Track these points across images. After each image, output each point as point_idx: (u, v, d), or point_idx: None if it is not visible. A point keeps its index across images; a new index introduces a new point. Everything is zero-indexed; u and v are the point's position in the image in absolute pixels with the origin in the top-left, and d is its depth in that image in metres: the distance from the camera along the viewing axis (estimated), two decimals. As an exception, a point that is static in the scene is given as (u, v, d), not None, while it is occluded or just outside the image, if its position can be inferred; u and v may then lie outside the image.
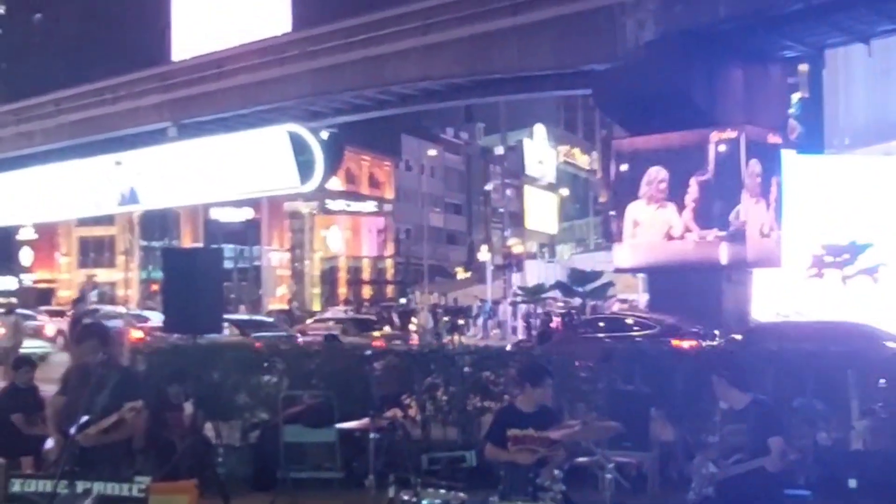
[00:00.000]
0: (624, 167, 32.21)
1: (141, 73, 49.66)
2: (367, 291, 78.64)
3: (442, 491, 7.48)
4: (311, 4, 73.91)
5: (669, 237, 29.98)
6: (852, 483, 8.64)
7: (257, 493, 11.23)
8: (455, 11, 37.13)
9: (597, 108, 50.63)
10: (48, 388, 9.58)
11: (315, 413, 11.54)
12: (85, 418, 7.29)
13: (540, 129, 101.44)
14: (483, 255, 72.93)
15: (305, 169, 42.72)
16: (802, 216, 31.43)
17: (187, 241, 64.79)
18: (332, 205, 75.22)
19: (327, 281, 76.50)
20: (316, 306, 68.18)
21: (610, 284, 40.51)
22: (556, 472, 7.38)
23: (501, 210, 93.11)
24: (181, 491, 8.10)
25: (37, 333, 33.71)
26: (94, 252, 74.37)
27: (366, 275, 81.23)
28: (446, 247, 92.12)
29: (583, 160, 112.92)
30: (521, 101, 60.76)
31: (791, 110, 37.09)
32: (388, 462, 8.83)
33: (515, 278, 61.52)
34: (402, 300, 67.04)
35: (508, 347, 20.35)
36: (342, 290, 76.54)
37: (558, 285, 43.15)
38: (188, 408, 11.33)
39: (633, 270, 36.32)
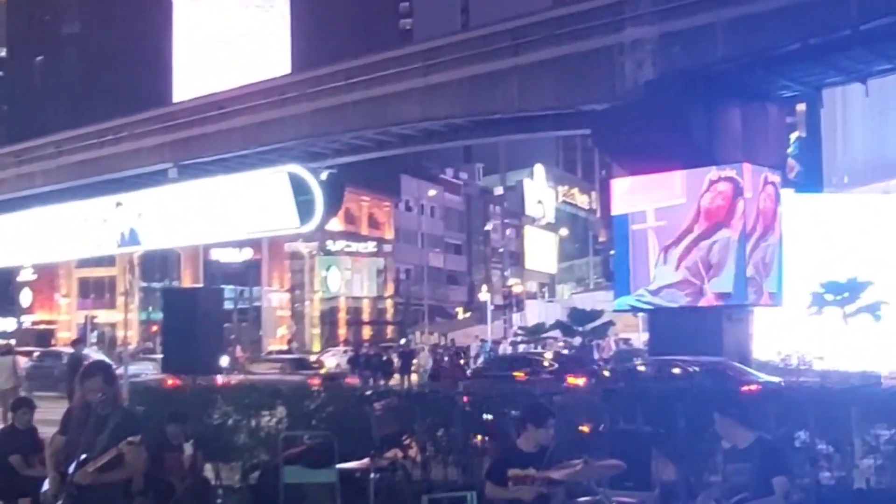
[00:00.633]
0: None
1: (142, 115, 49.86)
2: (367, 332, 78.49)
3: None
4: (312, 46, 74.49)
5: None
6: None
7: (257, 534, 11.14)
8: (456, 52, 37.37)
9: (595, 147, 50.65)
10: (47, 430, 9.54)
11: (315, 454, 11.45)
12: (83, 457, 7.24)
13: (539, 170, 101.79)
14: (483, 295, 72.90)
15: (305, 209, 42.75)
16: (802, 254, 31.47)
17: (188, 282, 64.78)
18: (333, 245, 75.29)
19: (327, 321, 76.42)
20: (316, 347, 68.06)
21: (610, 324, 40.49)
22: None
23: (501, 250, 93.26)
24: (179, 532, 8.06)
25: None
26: (95, 293, 74.36)
27: (366, 315, 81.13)
28: (446, 287, 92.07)
29: (582, 200, 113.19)
30: (521, 141, 61.00)
31: (789, 149, 37.18)
32: (388, 503, 8.78)
33: (516, 318, 61.51)
34: (403, 341, 66.88)
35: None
36: (342, 331, 76.41)
37: (558, 325, 43.11)
38: (188, 449, 11.27)
39: (633, 310, 36.31)
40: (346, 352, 51.69)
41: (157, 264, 68.09)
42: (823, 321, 29.45)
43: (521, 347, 46.08)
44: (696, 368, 21.85)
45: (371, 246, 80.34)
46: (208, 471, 11.91)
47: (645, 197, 30.63)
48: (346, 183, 50.35)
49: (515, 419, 9.47)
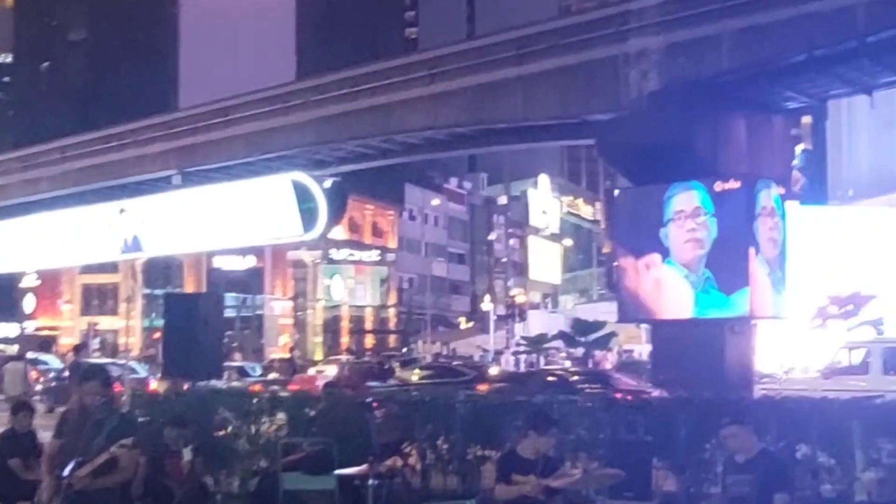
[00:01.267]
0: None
1: (146, 121, 49.88)
2: (369, 341, 78.47)
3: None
4: (317, 54, 74.68)
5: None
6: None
7: (255, 541, 11.10)
8: (460, 61, 37.31)
9: (600, 158, 50.65)
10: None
11: (314, 460, 11.43)
12: (79, 460, 7.21)
13: (544, 180, 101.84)
14: (486, 304, 72.86)
15: (309, 217, 42.74)
16: (806, 267, 31.37)
17: (190, 289, 64.67)
18: (336, 254, 75.31)
19: (330, 330, 76.40)
20: (318, 355, 68.02)
21: (613, 335, 40.47)
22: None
23: (504, 260, 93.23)
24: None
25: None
26: (98, 299, 74.49)
27: (368, 324, 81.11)
28: (449, 296, 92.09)
29: (586, 211, 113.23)
30: (525, 151, 61.09)
31: (794, 161, 37.12)
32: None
33: (518, 328, 61.43)
34: (405, 350, 66.84)
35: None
36: (345, 339, 76.39)
37: (561, 335, 43.11)
38: (187, 454, 11.24)
39: (636, 321, 36.24)
40: (347, 360, 51.65)
41: (161, 271, 68.15)
42: (827, 334, 29.34)
43: (523, 357, 46.14)
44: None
45: (374, 255, 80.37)
46: (207, 477, 11.88)
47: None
48: (350, 191, 50.37)
49: (517, 426, 9.44)
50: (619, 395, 16.59)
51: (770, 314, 30.02)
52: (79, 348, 28.46)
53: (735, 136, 30.54)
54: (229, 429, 12.86)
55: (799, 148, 37.48)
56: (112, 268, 66.65)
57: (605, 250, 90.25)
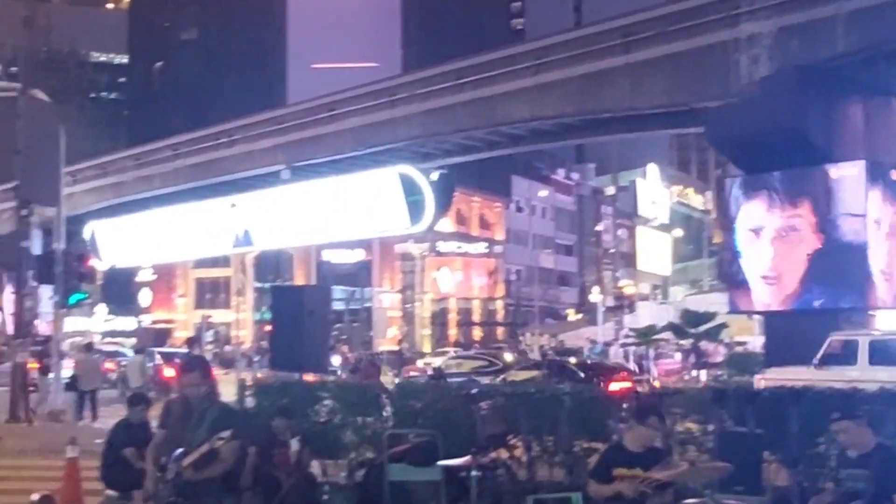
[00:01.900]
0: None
1: (256, 117, 50.71)
2: (477, 333, 78.54)
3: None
4: (422, 47, 74.94)
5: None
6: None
7: (361, 531, 11.15)
8: (566, 50, 37.06)
9: (709, 146, 49.81)
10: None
11: (420, 452, 11.42)
12: (180, 451, 7.29)
13: (653, 169, 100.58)
14: (594, 296, 72.29)
15: (415, 210, 42.95)
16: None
17: (300, 282, 65.63)
18: (443, 246, 75.50)
19: (438, 322, 76.66)
20: (426, 348, 68.33)
21: (723, 326, 39.67)
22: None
23: (613, 251, 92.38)
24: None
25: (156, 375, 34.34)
26: (211, 293, 76.05)
27: (476, 316, 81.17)
28: (557, 288, 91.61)
29: (697, 200, 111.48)
30: (633, 140, 60.37)
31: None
32: (493, 502, 8.67)
33: (627, 320, 60.82)
34: (513, 341, 66.71)
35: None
36: (452, 332, 76.57)
37: (670, 326, 42.41)
38: (294, 445, 11.34)
39: (749, 312, 35.54)
40: (455, 353, 51.77)
41: (271, 265, 69.28)
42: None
43: (632, 349, 45.55)
44: None
45: (482, 247, 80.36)
46: (314, 467, 11.98)
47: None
48: (457, 183, 50.46)
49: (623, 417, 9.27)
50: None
51: (888, 304, 29.19)
52: (191, 341, 29.03)
53: (851, 120, 29.72)
54: (336, 419, 12.93)
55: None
56: (224, 262, 67.99)
57: (716, 240, 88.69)
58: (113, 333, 68.88)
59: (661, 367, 43.51)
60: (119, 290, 71.32)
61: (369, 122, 43.80)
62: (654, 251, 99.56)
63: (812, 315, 28.13)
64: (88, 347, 28.66)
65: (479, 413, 12.06)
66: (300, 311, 12.60)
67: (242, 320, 70.06)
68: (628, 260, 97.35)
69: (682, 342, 43.64)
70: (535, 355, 46.08)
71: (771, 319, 31.46)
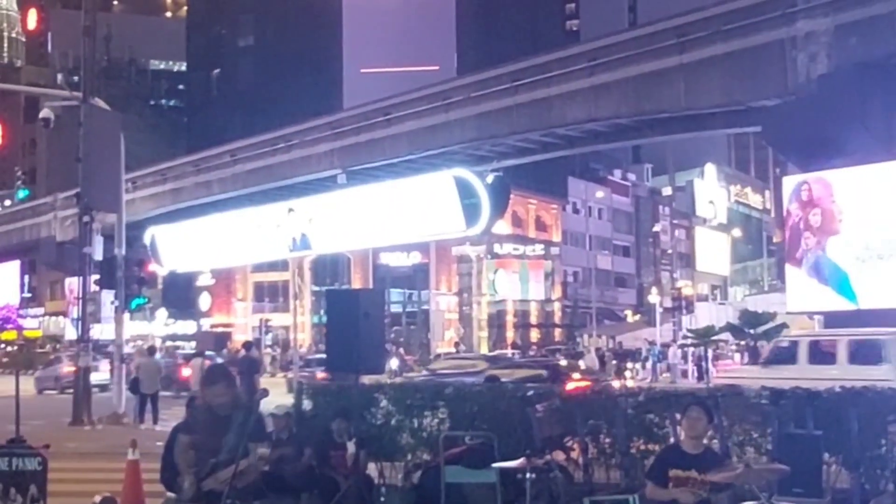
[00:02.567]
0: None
1: (312, 122, 51.11)
2: (534, 335, 78.36)
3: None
4: (477, 50, 74.98)
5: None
6: None
7: (418, 533, 11.19)
8: (621, 51, 36.94)
9: (767, 145, 49.34)
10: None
11: (476, 454, 11.44)
12: (213, 461, 7.31)
13: (710, 169, 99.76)
14: (652, 297, 71.82)
15: (471, 213, 42.85)
16: None
17: (357, 285, 65.97)
18: (500, 248, 75.43)
19: (495, 325, 76.58)
20: (483, 349, 68.32)
21: (783, 326, 39.20)
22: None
23: (671, 251, 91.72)
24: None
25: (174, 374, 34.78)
26: (269, 296, 76.63)
27: (533, 318, 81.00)
28: (615, 289, 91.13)
29: (755, 199, 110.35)
30: (691, 140, 59.96)
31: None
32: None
33: (685, 320, 60.36)
34: (570, 343, 66.53)
35: None
36: (510, 334, 76.47)
37: (729, 327, 42.03)
38: (351, 447, 11.42)
39: (808, 312, 35.14)
40: (513, 355, 51.72)
41: (328, 268, 69.66)
42: None
43: (691, 350, 45.24)
44: None
45: (538, 248, 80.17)
46: (371, 469, 12.05)
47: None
48: (513, 185, 50.36)
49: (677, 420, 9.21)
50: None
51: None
52: (248, 345, 29.26)
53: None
54: (392, 422, 12.99)
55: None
56: (282, 265, 68.41)
57: (776, 240, 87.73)
58: (173, 337, 69.78)
59: (720, 367, 43.16)
60: (179, 295, 72.19)
61: (424, 126, 43.95)
62: (713, 251, 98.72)
63: (871, 314, 27.72)
64: (151, 351, 29.07)
65: (535, 415, 12.06)
66: (355, 314, 12.64)
67: (301, 323, 70.51)
68: (686, 260, 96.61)
69: (741, 343, 43.28)
70: (591, 357, 45.90)
71: (831, 319, 31.07)
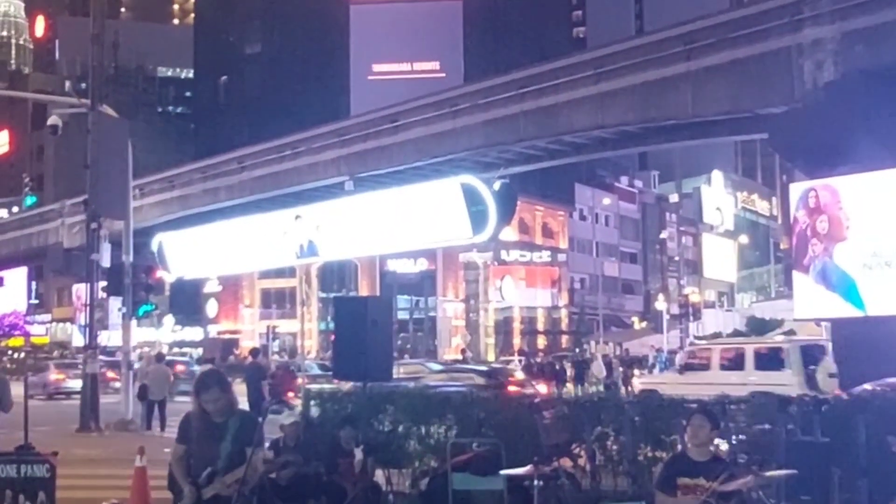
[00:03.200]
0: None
1: (319, 130, 51.17)
2: (541, 341, 78.36)
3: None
4: (484, 57, 75.05)
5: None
6: None
7: (426, 540, 11.21)
8: (628, 59, 36.96)
9: (774, 152, 49.30)
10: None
11: (483, 461, 11.46)
12: (210, 470, 7.28)
13: (717, 176, 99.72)
14: (659, 304, 71.78)
15: (478, 220, 42.84)
16: None
17: (364, 292, 66.09)
18: (507, 255, 75.46)
19: (501, 331, 76.61)
20: (490, 356, 68.32)
21: (791, 333, 39.12)
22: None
23: (678, 258, 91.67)
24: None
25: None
26: (276, 303, 76.70)
27: (540, 325, 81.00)
28: (622, 296, 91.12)
29: (762, 206, 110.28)
30: (698, 147, 59.93)
31: None
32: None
33: (692, 327, 60.29)
34: (577, 350, 66.49)
35: None
36: (517, 341, 76.48)
37: (736, 334, 41.95)
38: (358, 454, 11.44)
39: (816, 319, 35.07)
40: (519, 361, 51.74)
41: (336, 275, 69.73)
42: None
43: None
44: None
45: (545, 255, 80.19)
46: (379, 476, 12.07)
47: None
48: (519, 192, 50.40)
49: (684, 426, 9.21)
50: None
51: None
52: (255, 352, 29.30)
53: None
54: (400, 429, 13.02)
55: None
56: (290, 272, 68.53)
57: (783, 246, 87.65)
58: (181, 344, 69.87)
59: (641, 377, 43.18)
60: (186, 301, 72.29)
61: (431, 133, 43.99)
62: (720, 258, 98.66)
63: (879, 321, 27.68)
64: (159, 358, 29.14)
65: (542, 422, 12.09)
66: (363, 322, 12.67)
67: (308, 330, 70.56)
68: (693, 267, 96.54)
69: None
70: (599, 364, 45.87)
71: (839, 325, 31.00)
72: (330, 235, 49.19)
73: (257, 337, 69.95)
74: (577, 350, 66.39)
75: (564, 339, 79.53)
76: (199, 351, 65.08)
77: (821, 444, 10.00)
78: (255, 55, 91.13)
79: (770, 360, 26.11)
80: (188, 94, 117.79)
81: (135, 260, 28.60)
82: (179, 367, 38.91)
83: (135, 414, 25.87)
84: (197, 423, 7.47)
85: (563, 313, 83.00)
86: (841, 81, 29.27)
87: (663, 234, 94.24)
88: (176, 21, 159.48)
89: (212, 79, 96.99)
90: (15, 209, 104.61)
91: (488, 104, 42.00)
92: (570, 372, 45.23)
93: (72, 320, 70.94)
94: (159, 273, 41.10)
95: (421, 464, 12.78)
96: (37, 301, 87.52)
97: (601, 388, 37.56)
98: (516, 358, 57.10)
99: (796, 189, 31.96)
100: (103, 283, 27.09)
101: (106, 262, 27.00)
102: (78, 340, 56.56)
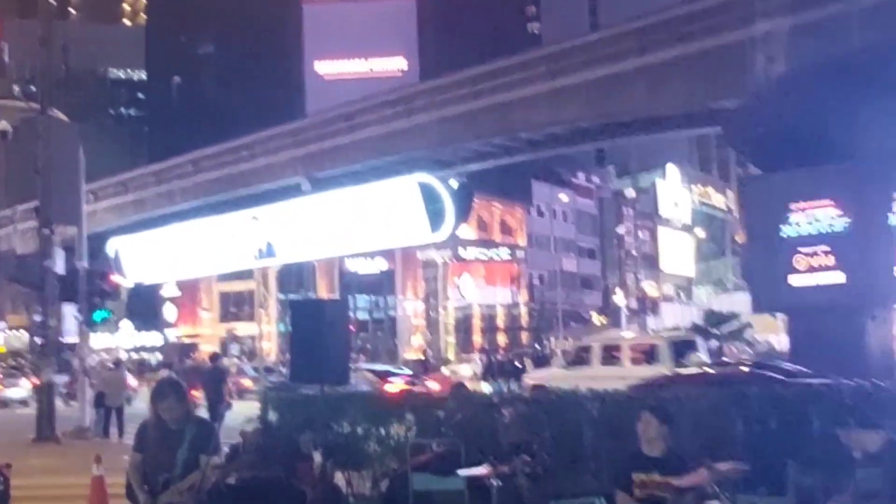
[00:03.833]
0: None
1: (275, 130, 50.94)
2: (501, 338, 78.50)
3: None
4: (438, 55, 75.04)
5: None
6: None
7: (387, 542, 11.18)
8: (582, 55, 37.11)
9: (728, 145, 49.72)
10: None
11: (443, 461, 11.44)
12: (165, 476, 7.26)
13: (673, 170, 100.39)
14: (618, 298, 72.18)
15: (436, 218, 42.89)
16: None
17: (323, 293, 65.88)
18: (465, 253, 75.53)
19: (461, 329, 76.68)
20: (451, 355, 68.38)
21: (748, 325, 39.61)
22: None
23: (635, 253, 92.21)
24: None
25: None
26: (235, 306, 76.25)
27: (500, 322, 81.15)
28: (580, 291, 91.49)
29: (718, 199, 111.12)
30: (653, 141, 60.28)
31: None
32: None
33: (651, 321, 60.73)
34: (537, 346, 66.68)
35: None
36: (477, 338, 76.57)
37: (693, 328, 42.35)
38: (317, 457, 11.39)
39: (770, 311, 35.47)
40: (480, 359, 51.82)
41: (294, 276, 69.40)
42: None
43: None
44: None
45: (504, 252, 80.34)
46: (339, 479, 12.03)
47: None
48: (477, 190, 50.48)
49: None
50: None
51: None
52: (215, 357, 29.10)
53: (870, 117, 29.48)
54: (359, 431, 12.97)
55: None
56: (248, 275, 68.04)
57: (739, 239, 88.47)
58: (139, 349, 69.32)
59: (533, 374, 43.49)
60: (144, 306, 71.65)
61: (387, 132, 43.94)
62: (677, 252, 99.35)
63: (834, 313, 27.96)
64: (117, 364, 28.87)
65: (502, 421, 12.09)
66: (319, 325, 12.61)
67: (267, 332, 70.23)
68: (651, 261, 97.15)
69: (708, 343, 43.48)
70: (559, 360, 45.98)
71: (795, 317, 31.30)
72: (288, 237, 48.99)
73: (217, 341, 69.50)
74: (537, 346, 66.55)
75: (524, 335, 79.72)
76: (158, 356, 64.61)
77: (776, 436, 10.08)
78: (208, 55, 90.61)
79: (644, 355, 27.99)
80: (141, 95, 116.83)
81: (90, 265, 28.30)
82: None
83: (91, 421, 25.63)
84: (153, 431, 7.46)
85: (523, 310, 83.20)
86: (792, 74, 29.54)
87: (620, 229, 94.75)
88: (127, 21, 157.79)
89: (165, 80, 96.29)
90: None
91: (444, 102, 42.01)
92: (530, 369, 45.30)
93: (27, 328, 70.08)
94: (115, 278, 40.81)
95: (381, 465, 12.74)
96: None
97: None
98: (477, 356, 57.19)
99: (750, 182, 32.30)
100: (57, 290, 26.78)
101: (60, 268, 26.69)
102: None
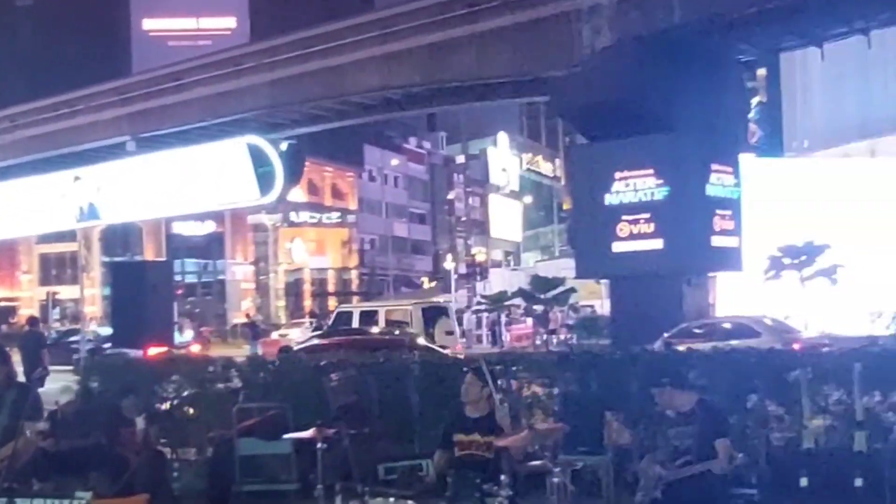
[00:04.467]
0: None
1: (98, 87, 49.31)
2: (332, 303, 78.35)
3: (391, 500, 7.40)
4: (269, 16, 73.91)
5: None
6: (803, 482, 8.63)
7: (212, 507, 11.09)
8: (413, 20, 37.14)
9: (554, 114, 50.70)
10: None
11: (269, 425, 11.40)
12: None
13: (503, 138, 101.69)
14: (448, 264, 72.94)
15: (265, 181, 42.55)
16: (763, 219, 31.66)
17: (150, 256, 64.29)
18: (296, 217, 74.97)
19: (292, 293, 76.20)
20: (282, 319, 67.91)
21: (572, 291, 40.54)
22: (503, 477, 7.31)
23: (465, 219, 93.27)
24: (132, 506, 7.98)
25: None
26: (57, 269, 73.78)
27: (331, 286, 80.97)
28: (411, 256, 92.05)
29: (546, 167, 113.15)
30: (484, 109, 60.93)
31: (750, 114, 37.26)
32: (343, 472, 8.73)
33: (480, 286, 61.58)
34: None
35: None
36: (307, 303, 76.26)
37: (520, 293, 43.13)
38: (140, 423, 11.18)
39: (594, 276, 36.52)
40: (311, 323, 51.62)
41: (119, 239, 67.54)
42: (782, 285, 29.60)
43: (485, 315, 46.31)
44: None
45: (335, 216, 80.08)
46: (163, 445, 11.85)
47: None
48: (308, 153, 50.15)
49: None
50: None
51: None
52: (33, 320, 28.11)
53: (689, 90, 30.55)
54: (184, 395, 12.81)
55: (755, 100, 37.55)
56: (70, 237, 65.87)
57: (566, 207, 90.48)
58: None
59: (514, 332, 44.34)
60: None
61: (216, 92, 43.13)
62: (506, 218, 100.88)
63: (654, 278, 29.00)
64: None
65: (329, 384, 12.14)
66: (142, 287, 12.39)
67: (90, 296, 68.20)
68: (481, 227, 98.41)
69: (535, 308, 44.44)
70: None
71: (616, 283, 32.29)
72: (112, 197, 47.77)
73: (37, 304, 67.17)
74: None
75: (355, 300, 79.75)
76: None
77: (595, 397, 10.45)
78: (27, 7, 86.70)
79: (398, 319, 30.20)
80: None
81: None
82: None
83: None
84: None
85: (354, 274, 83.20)
86: (616, 46, 30.29)
87: (451, 195, 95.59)
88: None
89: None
90: None
91: (274, 63, 41.49)
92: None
93: None
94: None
95: (206, 430, 12.62)
96: None
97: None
98: (307, 320, 56.97)
99: (577, 151, 33.05)
100: None
101: None
102: None
